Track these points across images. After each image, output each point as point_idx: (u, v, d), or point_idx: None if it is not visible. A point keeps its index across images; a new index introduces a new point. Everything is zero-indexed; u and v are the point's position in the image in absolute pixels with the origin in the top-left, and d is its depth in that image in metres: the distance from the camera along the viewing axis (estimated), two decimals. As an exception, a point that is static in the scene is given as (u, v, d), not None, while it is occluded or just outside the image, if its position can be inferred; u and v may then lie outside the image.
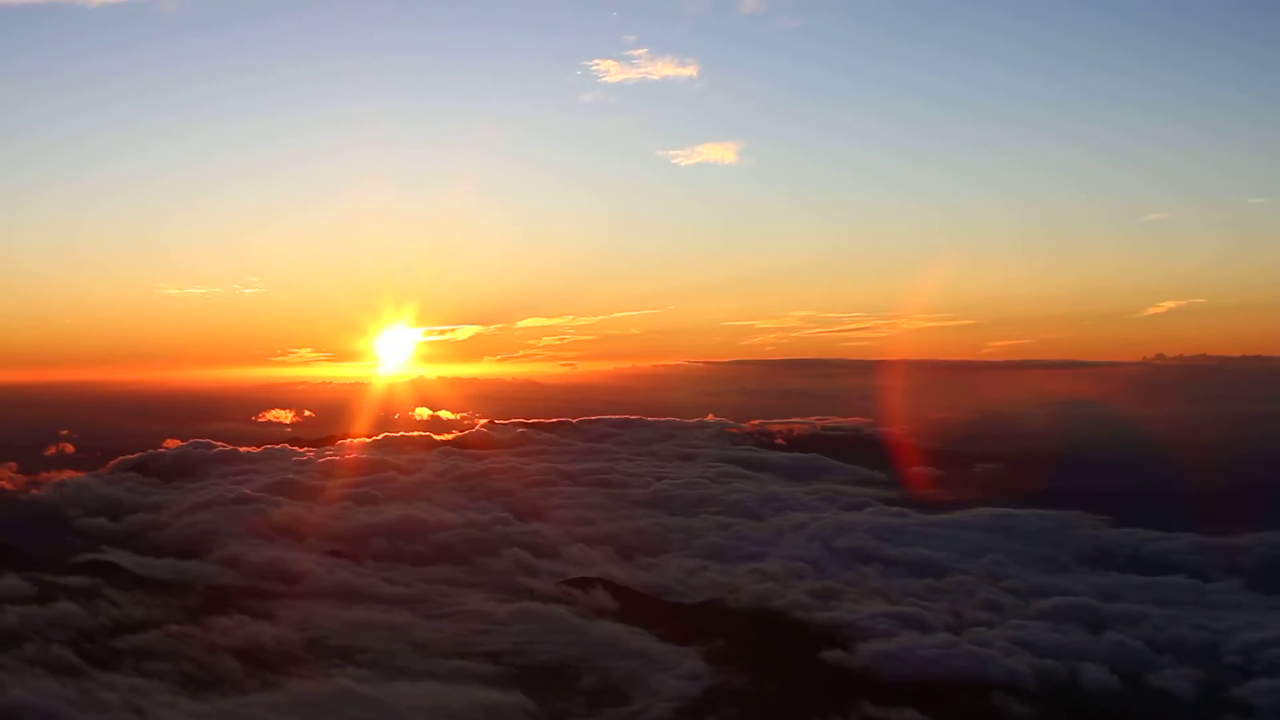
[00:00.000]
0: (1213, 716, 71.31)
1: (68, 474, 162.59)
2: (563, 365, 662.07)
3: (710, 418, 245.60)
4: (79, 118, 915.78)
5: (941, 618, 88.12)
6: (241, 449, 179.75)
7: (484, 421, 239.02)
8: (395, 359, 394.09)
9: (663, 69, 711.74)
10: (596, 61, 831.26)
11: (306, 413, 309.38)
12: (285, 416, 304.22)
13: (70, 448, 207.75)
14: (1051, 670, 76.57)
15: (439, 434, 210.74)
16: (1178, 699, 74.34)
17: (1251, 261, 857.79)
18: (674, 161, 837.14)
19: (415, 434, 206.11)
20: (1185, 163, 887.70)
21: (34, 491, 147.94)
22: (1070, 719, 71.07)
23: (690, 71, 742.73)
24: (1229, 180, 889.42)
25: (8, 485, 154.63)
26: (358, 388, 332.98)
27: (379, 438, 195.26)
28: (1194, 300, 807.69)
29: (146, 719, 61.34)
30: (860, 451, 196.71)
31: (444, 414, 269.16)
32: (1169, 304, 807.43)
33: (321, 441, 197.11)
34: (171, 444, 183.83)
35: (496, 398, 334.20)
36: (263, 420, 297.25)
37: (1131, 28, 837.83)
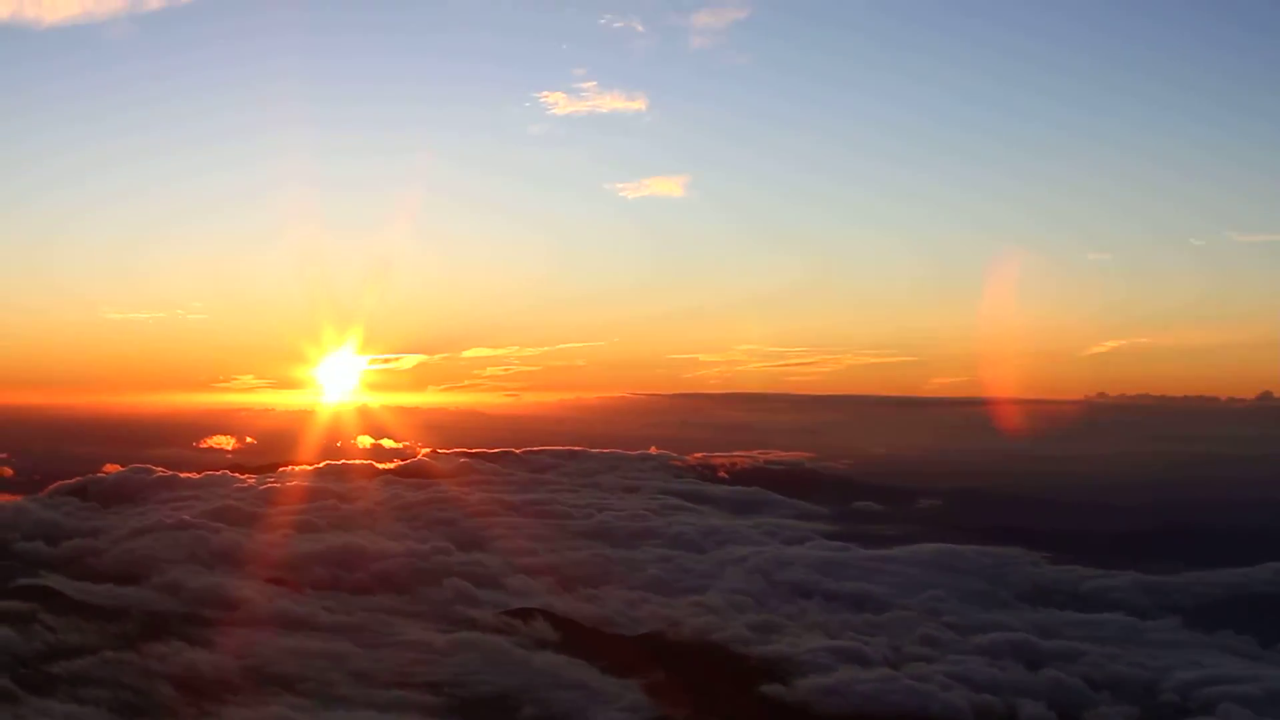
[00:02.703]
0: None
1: (5, 498, 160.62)
2: (507, 395, 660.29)
3: (653, 450, 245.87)
4: (22, 140, 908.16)
5: (881, 652, 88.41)
6: (182, 475, 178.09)
7: (427, 450, 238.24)
8: (339, 387, 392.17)
9: (611, 102, 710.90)
10: (545, 93, 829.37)
11: (248, 439, 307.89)
12: (227, 443, 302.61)
13: (8, 471, 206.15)
14: (989, 706, 76.95)
15: (382, 462, 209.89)
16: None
17: (1195, 302, 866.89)
18: (621, 194, 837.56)
19: (358, 462, 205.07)
20: (1128, 203, 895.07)
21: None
22: None
23: (639, 105, 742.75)
24: (1171, 221, 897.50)
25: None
26: (300, 415, 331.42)
27: (321, 465, 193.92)
28: (1136, 340, 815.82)
29: (81, 746, 60.88)
30: (803, 486, 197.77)
31: (387, 442, 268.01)
32: (1111, 343, 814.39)
33: (263, 468, 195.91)
34: (111, 469, 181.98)
35: (440, 427, 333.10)
36: (204, 446, 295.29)
37: (1077, 70, 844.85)
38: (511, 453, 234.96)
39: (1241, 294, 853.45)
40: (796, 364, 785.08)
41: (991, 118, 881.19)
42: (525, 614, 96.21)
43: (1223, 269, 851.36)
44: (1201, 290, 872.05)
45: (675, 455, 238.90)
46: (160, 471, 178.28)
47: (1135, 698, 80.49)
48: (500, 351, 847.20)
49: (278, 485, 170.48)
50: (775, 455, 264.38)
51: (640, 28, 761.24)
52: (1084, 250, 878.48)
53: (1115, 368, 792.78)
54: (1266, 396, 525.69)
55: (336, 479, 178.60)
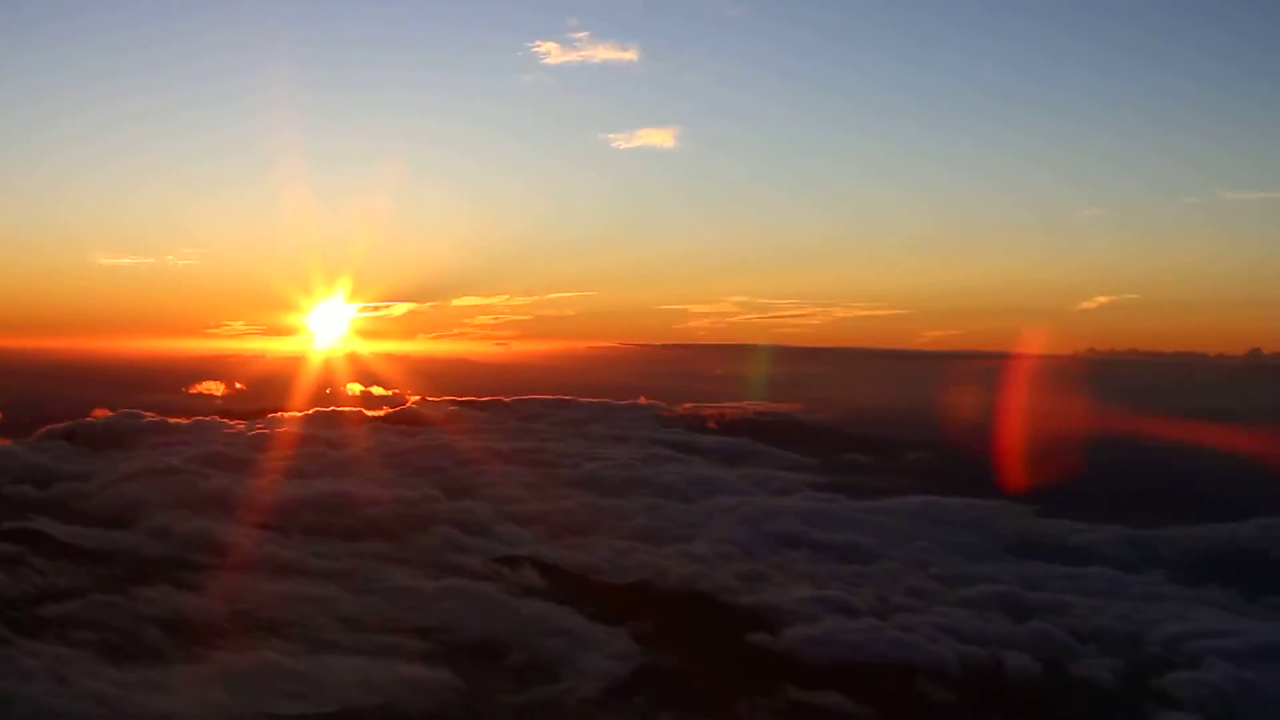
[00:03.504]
0: (1134, 706, 72.18)
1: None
2: (497, 344, 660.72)
3: (643, 400, 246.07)
4: (10, 83, 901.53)
5: (868, 603, 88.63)
6: (171, 420, 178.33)
7: (416, 398, 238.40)
8: (329, 334, 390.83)
9: (604, 52, 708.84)
10: (538, 43, 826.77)
11: (238, 385, 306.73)
12: (217, 389, 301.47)
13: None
14: (975, 657, 77.18)
15: (371, 410, 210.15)
16: (1100, 688, 75.17)
17: (1185, 259, 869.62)
18: (613, 144, 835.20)
19: (347, 409, 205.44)
20: (1120, 160, 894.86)
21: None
22: (993, 705, 71.66)
23: (631, 55, 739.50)
24: (1163, 178, 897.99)
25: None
26: (290, 362, 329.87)
27: (311, 412, 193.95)
28: (1127, 296, 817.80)
29: (70, 687, 60.96)
30: (792, 437, 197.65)
31: (377, 390, 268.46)
32: (1101, 299, 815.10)
33: (253, 415, 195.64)
34: (101, 413, 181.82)
35: (430, 375, 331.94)
36: (194, 392, 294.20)
37: (1070, 25, 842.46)
38: (501, 401, 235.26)
39: (1232, 251, 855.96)
40: (787, 316, 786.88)
41: (985, 72, 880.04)
42: (513, 561, 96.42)
43: (1214, 226, 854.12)
44: (1192, 247, 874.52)
45: (664, 405, 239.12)
46: (149, 417, 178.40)
47: (1121, 650, 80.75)
48: (490, 300, 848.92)
49: (267, 431, 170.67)
50: (764, 407, 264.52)
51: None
52: (1076, 206, 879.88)
53: (1105, 323, 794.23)
54: (1255, 354, 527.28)
55: (326, 425, 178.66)
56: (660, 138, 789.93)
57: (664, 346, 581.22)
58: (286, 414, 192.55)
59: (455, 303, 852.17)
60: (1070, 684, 75.90)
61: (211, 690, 63.37)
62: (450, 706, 65.87)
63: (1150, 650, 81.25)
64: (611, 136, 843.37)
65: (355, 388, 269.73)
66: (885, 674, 73.50)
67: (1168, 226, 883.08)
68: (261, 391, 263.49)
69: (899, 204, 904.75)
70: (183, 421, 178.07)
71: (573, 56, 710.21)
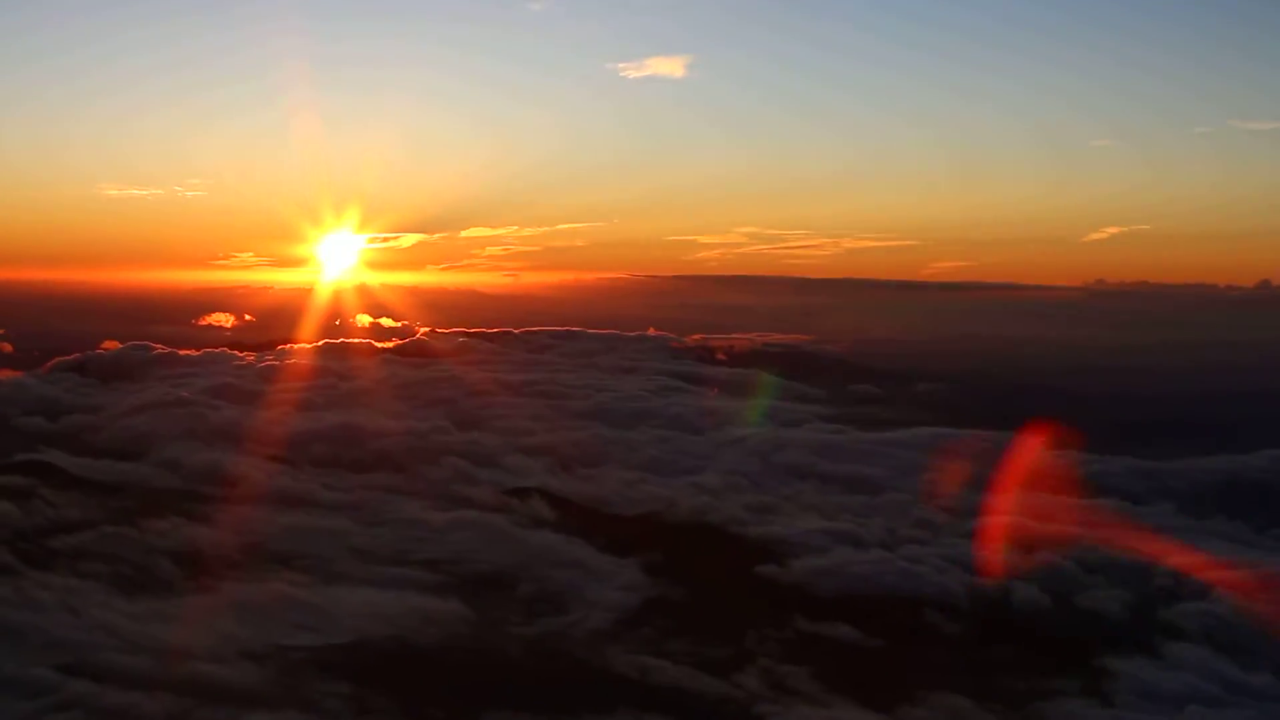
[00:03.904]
0: (1141, 637, 72.30)
1: (5, 373, 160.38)
2: (506, 276, 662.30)
3: (652, 331, 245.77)
4: (19, 14, 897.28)
5: (876, 534, 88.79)
6: (181, 352, 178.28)
7: (426, 330, 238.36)
8: (338, 265, 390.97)
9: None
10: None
11: (247, 317, 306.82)
12: (226, 321, 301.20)
13: (8, 347, 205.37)
14: (983, 588, 77.40)
15: (381, 341, 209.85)
16: (1107, 619, 75.33)
17: (1196, 190, 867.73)
18: (622, 74, 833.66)
19: (357, 341, 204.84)
20: (1132, 91, 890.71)
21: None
22: (1000, 637, 71.84)
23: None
24: (1175, 109, 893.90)
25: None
26: (300, 293, 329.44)
27: (320, 344, 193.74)
28: (1137, 226, 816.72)
29: (81, 618, 61.32)
30: (801, 368, 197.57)
31: (386, 321, 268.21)
32: (1111, 230, 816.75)
33: (262, 346, 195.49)
34: (110, 345, 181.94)
35: (439, 306, 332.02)
36: (203, 324, 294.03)
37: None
38: (510, 333, 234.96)
39: (1242, 182, 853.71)
40: (796, 247, 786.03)
41: (998, 2, 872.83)
42: (523, 493, 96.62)
43: (1224, 157, 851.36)
44: (1202, 178, 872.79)
45: (674, 336, 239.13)
46: (159, 348, 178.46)
47: (1128, 582, 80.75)
48: (499, 231, 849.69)
49: (276, 363, 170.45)
50: (773, 338, 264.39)
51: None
52: (1086, 137, 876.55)
53: (1115, 254, 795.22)
54: (1265, 285, 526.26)
55: (335, 357, 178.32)
56: (670, 67, 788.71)
57: (673, 278, 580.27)
58: (296, 346, 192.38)
59: (464, 234, 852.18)
60: (1078, 615, 76.07)
61: (222, 622, 63.67)
62: (460, 637, 66.22)
63: (1158, 582, 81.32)
64: (621, 66, 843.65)
65: (364, 319, 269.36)
66: (893, 605, 73.78)
67: (1178, 157, 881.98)
68: (271, 323, 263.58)
69: (909, 135, 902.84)
70: (192, 354, 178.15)
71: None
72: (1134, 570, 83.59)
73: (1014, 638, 71.86)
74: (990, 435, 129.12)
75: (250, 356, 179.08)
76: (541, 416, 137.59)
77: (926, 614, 72.61)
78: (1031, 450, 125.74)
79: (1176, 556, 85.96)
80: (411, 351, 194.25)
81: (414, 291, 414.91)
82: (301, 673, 57.54)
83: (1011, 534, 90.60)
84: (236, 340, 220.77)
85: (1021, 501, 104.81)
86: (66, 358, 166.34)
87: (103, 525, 78.08)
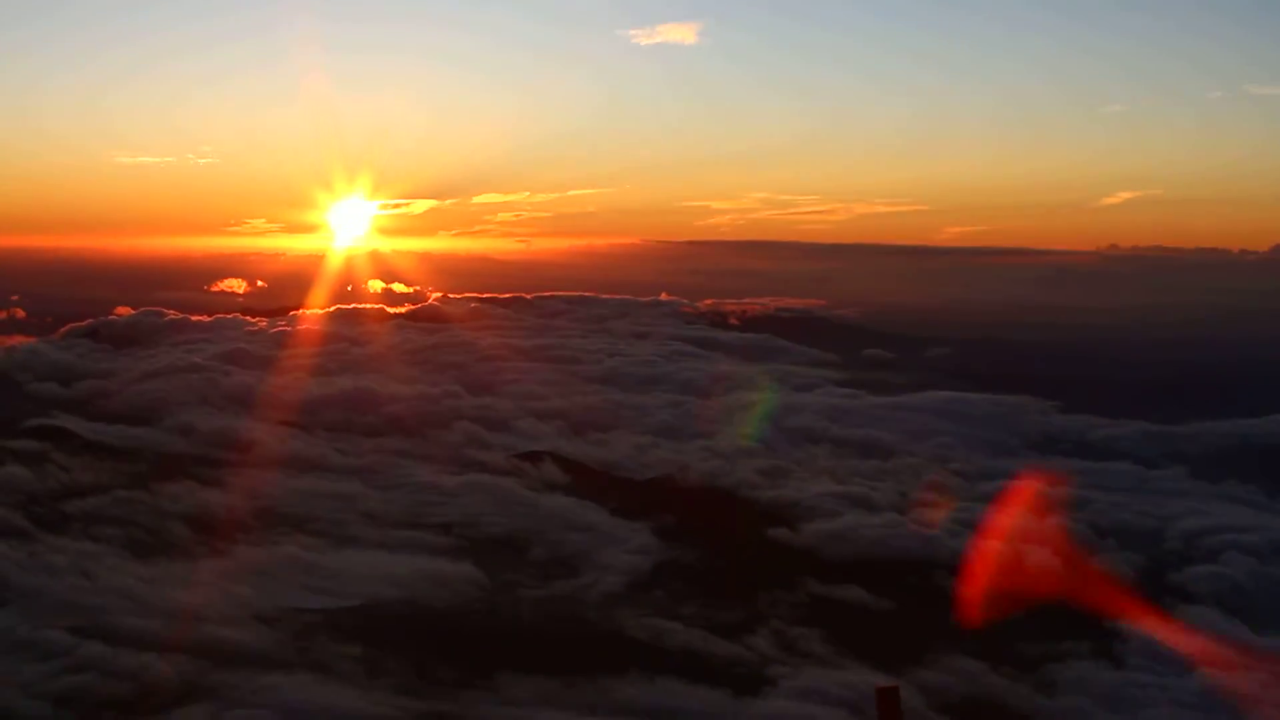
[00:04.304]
0: (1153, 600, 72.32)
1: (18, 339, 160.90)
2: (518, 241, 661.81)
3: (664, 296, 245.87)
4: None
5: (888, 498, 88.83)
6: (193, 318, 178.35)
7: (438, 295, 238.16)
8: (349, 231, 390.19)
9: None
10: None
11: (259, 283, 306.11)
12: (238, 286, 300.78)
13: (21, 313, 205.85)
14: (996, 552, 77.33)
15: (393, 307, 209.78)
16: (1119, 582, 75.33)
17: (1209, 155, 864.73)
18: (634, 40, 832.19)
19: (369, 306, 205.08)
20: (1144, 55, 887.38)
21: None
22: (1012, 599, 71.86)
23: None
24: (1187, 74, 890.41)
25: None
26: (311, 259, 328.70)
27: (332, 309, 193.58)
28: (1150, 191, 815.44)
29: (95, 582, 61.60)
30: (813, 333, 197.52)
31: (398, 287, 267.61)
32: (1125, 194, 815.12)
33: (274, 312, 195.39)
34: (123, 311, 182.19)
35: (451, 272, 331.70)
36: (215, 290, 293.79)
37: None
38: (522, 298, 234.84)
39: (1255, 146, 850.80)
40: (809, 212, 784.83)
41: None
42: (534, 457, 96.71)
43: (1238, 121, 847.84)
44: (1215, 142, 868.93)
45: (686, 302, 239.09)
46: (171, 314, 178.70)
47: (1141, 545, 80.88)
48: (511, 197, 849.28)
49: (289, 329, 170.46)
50: (786, 303, 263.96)
51: None
52: (1099, 102, 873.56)
53: (1128, 219, 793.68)
54: (1278, 249, 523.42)
55: (348, 323, 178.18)
56: (682, 33, 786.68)
57: (685, 243, 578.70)
58: (308, 312, 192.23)
59: (476, 199, 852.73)
60: (1089, 579, 76.05)
61: (235, 585, 63.96)
62: (472, 600, 66.44)
63: (1170, 545, 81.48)
64: (633, 32, 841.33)
65: (377, 285, 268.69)
66: (904, 569, 73.92)
67: (1192, 121, 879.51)
68: (283, 289, 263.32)
69: (923, 100, 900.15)
70: (204, 319, 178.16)
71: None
72: (1147, 533, 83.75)
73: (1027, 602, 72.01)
74: (1002, 399, 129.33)
75: (262, 322, 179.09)
76: (553, 381, 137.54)
77: (938, 576, 72.60)
78: (1043, 414, 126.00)
79: (1189, 520, 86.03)
80: (423, 317, 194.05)
81: (426, 257, 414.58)
82: (314, 635, 57.80)
83: (1023, 498, 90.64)
84: (248, 306, 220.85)
85: (1033, 465, 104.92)
86: (79, 324, 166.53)
87: (116, 489, 78.45)
